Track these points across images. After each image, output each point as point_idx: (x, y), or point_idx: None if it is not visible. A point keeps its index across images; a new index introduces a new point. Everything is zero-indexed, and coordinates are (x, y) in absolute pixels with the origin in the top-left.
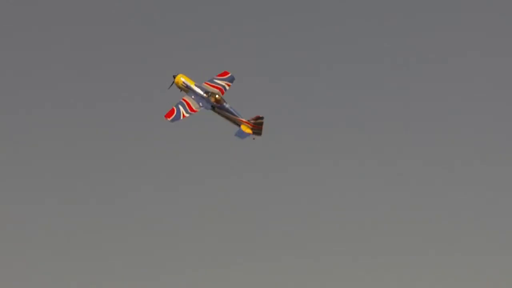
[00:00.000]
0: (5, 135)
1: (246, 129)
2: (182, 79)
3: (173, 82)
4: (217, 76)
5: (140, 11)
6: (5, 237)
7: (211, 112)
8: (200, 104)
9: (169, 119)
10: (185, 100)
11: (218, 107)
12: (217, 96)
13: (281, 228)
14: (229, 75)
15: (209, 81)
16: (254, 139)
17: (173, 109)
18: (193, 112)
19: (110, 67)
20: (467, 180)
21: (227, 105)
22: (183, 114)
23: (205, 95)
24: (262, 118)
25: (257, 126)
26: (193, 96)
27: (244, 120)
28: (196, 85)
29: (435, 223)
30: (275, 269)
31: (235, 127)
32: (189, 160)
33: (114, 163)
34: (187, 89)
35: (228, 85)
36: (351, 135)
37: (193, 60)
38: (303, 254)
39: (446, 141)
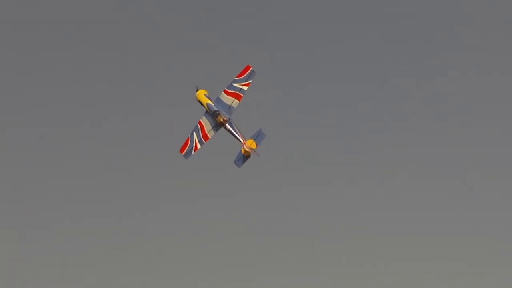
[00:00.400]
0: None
1: (247, 149)
2: (199, 96)
3: (197, 89)
4: (237, 76)
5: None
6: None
7: (221, 129)
8: (212, 127)
9: (182, 153)
10: (200, 124)
11: (221, 124)
12: (222, 119)
13: (287, 241)
14: (250, 70)
15: (228, 86)
16: (258, 156)
17: (187, 140)
18: (206, 141)
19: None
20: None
21: (228, 126)
22: (196, 146)
23: (212, 115)
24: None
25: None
26: (210, 113)
27: (244, 141)
28: (208, 104)
29: (439, 233)
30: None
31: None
32: (195, 174)
33: (123, 176)
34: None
35: (247, 85)
36: (352, 141)
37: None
38: (308, 264)
39: (449, 150)
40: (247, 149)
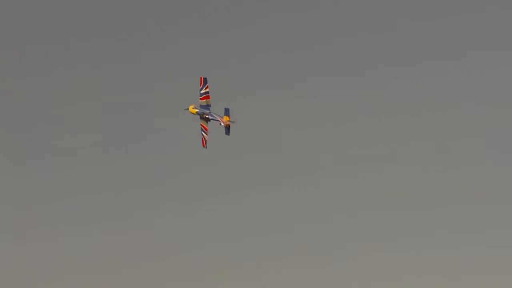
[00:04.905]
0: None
1: (225, 123)
2: (190, 110)
3: (187, 108)
4: (199, 86)
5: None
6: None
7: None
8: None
9: (204, 147)
10: (202, 125)
11: (206, 119)
12: (205, 116)
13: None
14: (204, 78)
15: (199, 95)
16: (234, 121)
17: (202, 139)
18: (207, 131)
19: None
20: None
21: (210, 117)
22: (206, 138)
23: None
24: (232, 121)
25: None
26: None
27: (222, 119)
28: (196, 112)
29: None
30: None
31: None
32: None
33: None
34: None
35: (207, 87)
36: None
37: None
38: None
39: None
40: (225, 122)
